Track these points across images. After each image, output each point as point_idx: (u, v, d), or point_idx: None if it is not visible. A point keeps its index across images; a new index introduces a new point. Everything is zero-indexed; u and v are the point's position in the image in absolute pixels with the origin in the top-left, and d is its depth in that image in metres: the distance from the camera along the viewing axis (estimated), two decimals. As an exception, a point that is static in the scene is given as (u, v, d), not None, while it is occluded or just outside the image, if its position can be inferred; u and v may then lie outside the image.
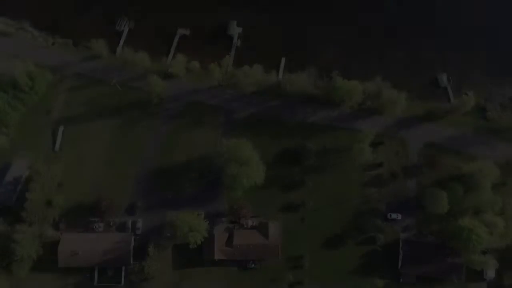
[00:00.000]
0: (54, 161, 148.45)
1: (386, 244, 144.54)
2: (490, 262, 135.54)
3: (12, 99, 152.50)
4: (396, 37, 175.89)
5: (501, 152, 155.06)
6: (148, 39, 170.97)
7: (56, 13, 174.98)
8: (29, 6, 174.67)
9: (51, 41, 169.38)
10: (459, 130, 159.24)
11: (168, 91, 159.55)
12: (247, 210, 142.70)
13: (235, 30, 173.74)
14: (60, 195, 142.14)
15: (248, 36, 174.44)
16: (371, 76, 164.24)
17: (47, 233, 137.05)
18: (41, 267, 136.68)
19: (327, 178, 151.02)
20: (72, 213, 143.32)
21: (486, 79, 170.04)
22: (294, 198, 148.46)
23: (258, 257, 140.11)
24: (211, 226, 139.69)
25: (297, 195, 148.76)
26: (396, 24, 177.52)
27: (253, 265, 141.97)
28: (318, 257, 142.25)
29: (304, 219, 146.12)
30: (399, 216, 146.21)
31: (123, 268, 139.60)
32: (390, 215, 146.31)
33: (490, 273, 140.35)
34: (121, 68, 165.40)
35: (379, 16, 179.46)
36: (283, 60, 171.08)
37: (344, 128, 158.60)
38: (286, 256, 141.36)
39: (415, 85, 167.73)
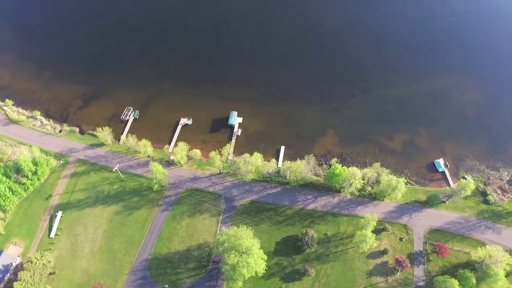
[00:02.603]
0: (48, 248, 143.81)
1: None
2: None
3: (13, 183, 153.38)
4: (392, 126, 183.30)
5: (509, 237, 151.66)
6: (151, 127, 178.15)
7: (66, 104, 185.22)
8: (41, 96, 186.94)
9: (59, 128, 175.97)
10: (462, 215, 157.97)
11: (169, 178, 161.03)
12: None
13: (236, 120, 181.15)
14: (51, 285, 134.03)
15: (249, 125, 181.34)
16: (370, 162, 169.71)
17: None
18: None
19: (330, 267, 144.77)
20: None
21: (482, 163, 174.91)
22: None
23: None
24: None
25: (299, 285, 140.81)
26: (391, 113, 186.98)
27: None
28: None
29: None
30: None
31: None
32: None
33: None
34: (124, 155, 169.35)
35: (374, 106, 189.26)
36: (282, 148, 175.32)
37: (345, 215, 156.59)
38: None
39: (413, 170, 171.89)
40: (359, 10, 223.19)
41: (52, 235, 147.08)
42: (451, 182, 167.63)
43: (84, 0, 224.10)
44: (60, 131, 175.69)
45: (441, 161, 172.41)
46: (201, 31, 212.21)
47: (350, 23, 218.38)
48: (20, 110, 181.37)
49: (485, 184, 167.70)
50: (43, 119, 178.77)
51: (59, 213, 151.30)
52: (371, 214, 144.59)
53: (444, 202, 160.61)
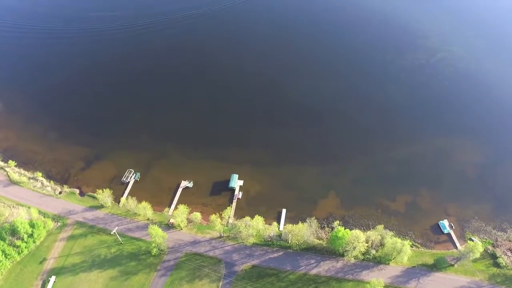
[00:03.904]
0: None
1: None
2: None
3: (8, 246, 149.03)
4: (393, 187, 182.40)
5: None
6: (152, 190, 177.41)
7: (68, 165, 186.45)
8: (43, 158, 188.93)
9: (59, 190, 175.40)
10: (473, 279, 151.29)
11: (168, 242, 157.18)
12: None
13: (237, 182, 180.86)
14: None
15: (249, 188, 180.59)
16: (373, 225, 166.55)
17: None
18: None
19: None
20: None
21: (488, 224, 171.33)
22: None
23: None
24: None
25: None
26: (392, 175, 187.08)
27: None
28: None
29: None
30: None
31: None
32: None
33: None
34: (123, 217, 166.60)
35: (375, 167, 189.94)
36: (283, 211, 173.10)
37: (350, 280, 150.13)
38: None
39: (418, 232, 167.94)
40: (356, 78, 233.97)
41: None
42: (458, 244, 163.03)
43: (88, 67, 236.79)
44: (60, 193, 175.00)
45: (445, 223, 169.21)
46: (203, 95, 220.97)
47: (349, 89, 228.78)
48: (22, 171, 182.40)
49: (493, 246, 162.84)
50: (44, 180, 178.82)
51: (52, 278, 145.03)
52: (377, 278, 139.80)
53: (452, 265, 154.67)
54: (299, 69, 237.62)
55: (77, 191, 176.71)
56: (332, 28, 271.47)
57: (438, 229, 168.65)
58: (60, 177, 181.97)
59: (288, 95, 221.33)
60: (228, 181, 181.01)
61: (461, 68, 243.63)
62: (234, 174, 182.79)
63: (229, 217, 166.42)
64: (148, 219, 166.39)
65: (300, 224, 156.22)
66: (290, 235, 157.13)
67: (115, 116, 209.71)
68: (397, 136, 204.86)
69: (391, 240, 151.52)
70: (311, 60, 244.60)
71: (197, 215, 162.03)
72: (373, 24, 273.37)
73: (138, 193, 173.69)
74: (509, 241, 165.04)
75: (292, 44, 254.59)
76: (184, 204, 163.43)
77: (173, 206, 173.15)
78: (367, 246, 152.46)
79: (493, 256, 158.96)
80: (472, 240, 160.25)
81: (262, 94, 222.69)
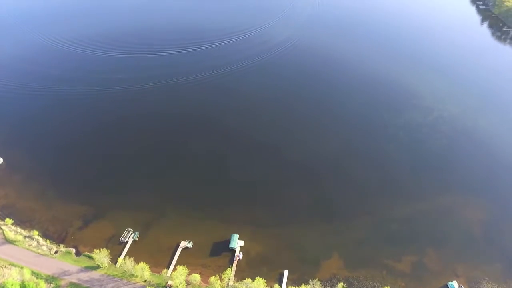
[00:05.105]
0: None
1: None
2: None
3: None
4: (398, 247, 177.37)
5: None
6: (150, 250, 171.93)
7: (65, 224, 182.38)
8: (41, 216, 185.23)
9: (55, 249, 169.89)
10: None
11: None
12: None
13: (237, 243, 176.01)
14: None
15: (250, 248, 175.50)
16: (378, 287, 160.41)
17: None
18: None
19: None
20: None
21: (500, 286, 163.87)
22: None
23: None
24: None
25: None
26: (395, 234, 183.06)
27: None
28: None
29: None
30: None
31: None
32: None
33: None
34: (119, 279, 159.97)
35: (378, 226, 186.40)
36: (285, 272, 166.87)
37: None
38: None
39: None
40: (355, 138, 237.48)
41: None
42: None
43: (88, 124, 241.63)
44: (56, 252, 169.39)
45: (455, 284, 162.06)
46: (203, 155, 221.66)
47: (348, 149, 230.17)
48: (18, 229, 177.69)
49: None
50: (40, 239, 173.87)
51: None
52: None
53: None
54: (298, 130, 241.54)
55: (74, 250, 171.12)
56: (330, 91, 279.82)
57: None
58: (57, 236, 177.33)
59: (288, 156, 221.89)
60: (228, 241, 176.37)
61: (458, 125, 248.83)
62: (235, 234, 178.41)
63: (229, 279, 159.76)
64: (145, 280, 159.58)
65: (303, 286, 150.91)
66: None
67: (115, 175, 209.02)
68: (399, 194, 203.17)
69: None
70: (310, 121, 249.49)
71: (196, 277, 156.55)
72: (369, 86, 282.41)
73: (136, 253, 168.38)
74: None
75: (290, 107, 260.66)
76: (183, 265, 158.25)
77: (171, 267, 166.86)
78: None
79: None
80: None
81: (262, 154, 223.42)
